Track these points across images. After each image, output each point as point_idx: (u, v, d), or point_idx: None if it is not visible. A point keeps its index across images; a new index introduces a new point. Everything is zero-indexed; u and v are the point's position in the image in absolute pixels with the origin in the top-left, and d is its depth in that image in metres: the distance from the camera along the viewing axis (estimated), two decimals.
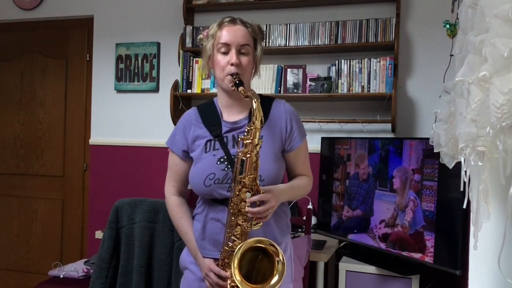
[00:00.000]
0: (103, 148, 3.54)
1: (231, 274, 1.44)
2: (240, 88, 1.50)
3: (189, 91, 3.17)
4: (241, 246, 1.42)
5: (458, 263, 2.06)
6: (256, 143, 1.45)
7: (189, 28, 3.19)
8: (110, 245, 2.20)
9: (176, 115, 3.17)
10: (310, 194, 2.99)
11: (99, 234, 2.75)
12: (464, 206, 1.00)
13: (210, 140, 1.61)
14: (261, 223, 1.47)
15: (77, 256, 3.60)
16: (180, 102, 3.17)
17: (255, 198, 1.44)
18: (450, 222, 2.12)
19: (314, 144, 3.02)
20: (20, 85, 3.81)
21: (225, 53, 1.57)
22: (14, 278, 3.80)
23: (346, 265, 2.49)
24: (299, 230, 2.79)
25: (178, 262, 1.79)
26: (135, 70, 3.45)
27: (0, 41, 3.85)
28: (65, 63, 3.71)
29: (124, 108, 3.49)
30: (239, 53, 1.57)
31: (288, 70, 3.01)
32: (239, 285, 1.40)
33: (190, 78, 3.18)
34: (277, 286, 1.41)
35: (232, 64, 1.55)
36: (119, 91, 3.51)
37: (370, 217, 2.51)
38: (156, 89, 3.41)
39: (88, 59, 3.65)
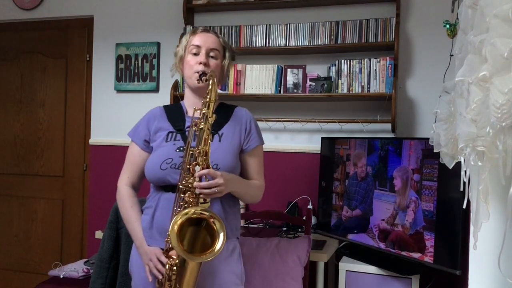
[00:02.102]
0: (103, 148, 3.54)
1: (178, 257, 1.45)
2: (203, 78, 1.59)
3: None
4: (178, 217, 1.42)
5: (458, 263, 2.06)
6: (210, 115, 1.51)
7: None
8: (110, 245, 2.20)
9: None
10: (310, 194, 3.01)
11: (99, 234, 2.75)
12: (464, 206, 1.00)
13: (171, 132, 1.69)
14: (209, 202, 1.50)
15: (77, 256, 3.60)
16: None
17: (203, 171, 1.48)
18: (450, 222, 2.12)
19: (314, 144, 3.02)
20: (20, 85, 3.81)
21: (196, 54, 1.69)
22: (14, 278, 3.80)
23: (346, 265, 2.49)
24: (299, 230, 2.79)
25: None
26: (135, 70, 3.45)
27: (0, 41, 3.85)
28: (65, 63, 3.71)
29: (124, 108, 3.49)
30: (208, 55, 1.69)
31: (288, 70, 3.01)
32: (182, 255, 1.40)
33: None
34: (223, 244, 1.42)
35: (200, 63, 1.66)
36: (119, 91, 3.51)
37: (370, 217, 2.51)
38: (156, 89, 3.41)
39: (88, 59, 3.65)
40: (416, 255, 2.25)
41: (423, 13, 2.90)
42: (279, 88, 3.02)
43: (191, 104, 1.73)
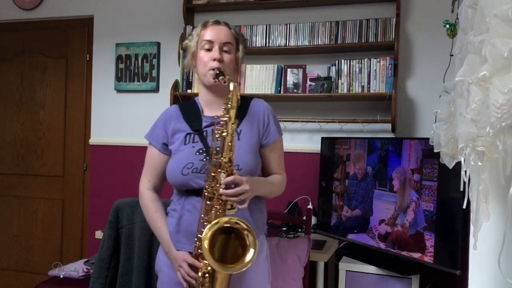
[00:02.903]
0: (103, 148, 3.54)
1: (204, 258, 1.43)
2: (220, 78, 1.54)
3: (189, 91, 3.17)
4: (210, 227, 1.41)
5: (458, 263, 2.06)
6: (232, 122, 1.48)
7: (189, 28, 3.19)
8: (110, 245, 2.20)
9: None
10: (310, 194, 3.01)
11: (99, 234, 2.75)
12: (464, 206, 1.00)
13: (189, 134, 1.65)
14: (236, 208, 1.47)
15: (77, 256, 3.60)
16: (180, 102, 3.17)
17: (229, 178, 1.46)
18: (450, 222, 2.12)
19: (314, 144, 3.02)
20: (20, 85, 3.81)
21: (209, 50, 1.63)
22: (14, 278, 3.80)
23: (346, 265, 2.49)
24: (299, 230, 2.79)
25: None
26: (135, 70, 3.45)
27: (0, 41, 3.85)
28: (65, 63, 3.71)
29: (124, 108, 3.49)
30: (221, 50, 1.63)
31: (288, 70, 3.01)
32: (213, 266, 1.39)
33: (190, 78, 3.18)
34: (254, 257, 1.40)
35: (214, 60, 1.60)
36: (119, 91, 3.51)
37: (370, 217, 2.51)
38: (156, 89, 3.41)
39: (88, 59, 3.65)
40: (416, 255, 2.25)
41: (423, 13, 2.90)
42: (279, 88, 3.02)
43: (206, 101, 1.70)
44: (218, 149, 1.49)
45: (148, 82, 3.42)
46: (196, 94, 3.14)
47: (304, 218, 2.61)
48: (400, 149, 2.39)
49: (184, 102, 1.78)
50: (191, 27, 3.20)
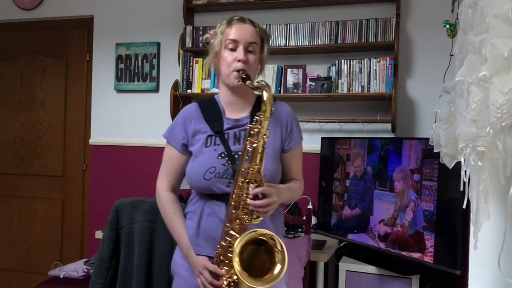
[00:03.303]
0: (103, 148, 3.54)
1: (228, 270, 1.42)
2: (248, 82, 1.50)
3: (189, 91, 3.17)
4: (242, 237, 1.38)
5: (458, 263, 2.06)
6: (264, 132, 1.44)
7: (189, 28, 3.19)
8: (110, 245, 2.20)
9: (176, 115, 3.16)
10: (310, 194, 3.01)
11: (99, 234, 2.75)
12: (464, 206, 0.99)
13: (211, 136, 1.59)
14: (262, 218, 1.45)
15: (77, 256, 3.60)
16: (180, 102, 3.17)
17: (258, 190, 1.43)
18: (450, 222, 2.12)
19: (314, 144, 3.02)
20: (20, 85, 3.81)
21: (233, 50, 1.57)
22: (14, 278, 3.80)
23: (346, 265, 2.49)
24: (299, 230, 2.79)
25: None
26: (135, 70, 3.45)
27: (0, 41, 3.85)
28: (65, 63, 3.71)
29: (124, 108, 3.49)
30: (246, 50, 1.57)
31: (288, 70, 3.01)
32: (240, 277, 1.35)
33: (190, 78, 3.18)
34: (282, 274, 1.37)
35: (239, 61, 1.55)
36: (119, 91, 3.51)
37: (370, 217, 2.51)
38: (156, 89, 3.41)
39: (88, 59, 3.65)
40: (416, 255, 2.25)
41: (423, 13, 2.90)
42: (279, 88, 3.02)
43: (227, 101, 1.64)
44: (247, 158, 1.45)
45: (148, 82, 3.42)
46: (196, 94, 3.18)
47: (304, 218, 2.61)
48: (400, 149, 2.39)
49: (204, 100, 1.72)
50: (191, 27, 3.20)
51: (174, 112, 3.16)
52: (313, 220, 2.88)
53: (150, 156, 3.39)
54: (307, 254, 2.30)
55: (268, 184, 1.47)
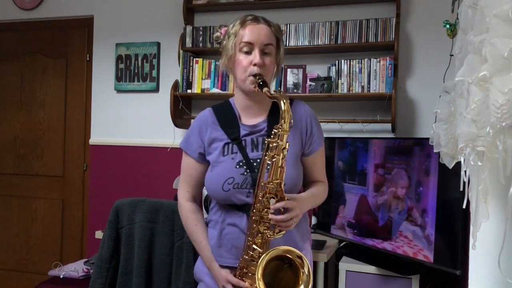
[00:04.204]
0: (103, 148, 3.54)
1: (253, 284, 1.39)
2: (265, 89, 1.44)
3: (189, 91, 3.17)
4: (267, 254, 1.34)
5: (458, 263, 2.06)
6: (284, 146, 1.39)
7: (189, 28, 3.19)
8: (110, 245, 2.20)
9: (176, 115, 3.17)
10: None
11: (99, 234, 2.75)
12: (464, 206, 0.99)
13: (227, 143, 1.55)
14: (284, 232, 1.42)
15: (77, 256, 3.60)
16: (180, 102, 3.17)
17: (279, 204, 1.38)
18: (450, 222, 2.12)
19: None
20: (20, 85, 3.81)
21: (248, 53, 1.50)
22: (14, 278, 3.80)
23: (346, 265, 2.49)
24: None
25: (178, 262, 1.78)
26: (135, 70, 3.45)
27: (0, 41, 3.85)
28: (65, 63, 3.71)
29: (124, 108, 3.49)
30: (262, 53, 1.50)
31: (288, 70, 3.01)
32: None
33: (190, 78, 3.18)
34: None
35: (255, 65, 1.48)
36: (119, 91, 3.51)
37: (370, 217, 2.51)
38: (156, 89, 3.41)
39: (88, 59, 3.65)
40: (417, 255, 2.25)
41: (423, 13, 2.90)
42: (279, 88, 3.02)
43: (243, 106, 1.58)
44: (267, 170, 1.41)
45: (148, 82, 3.42)
46: (197, 94, 3.18)
47: None
48: (400, 149, 2.38)
49: (219, 105, 1.64)
50: (191, 27, 3.20)
51: (174, 112, 3.16)
52: (313, 220, 2.88)
53: (150, 156, 3.39)
54: None
55: (289, 197, 1.43)
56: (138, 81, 3.44)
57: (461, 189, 0.98)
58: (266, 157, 1.41)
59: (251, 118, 1.58)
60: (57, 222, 3.73)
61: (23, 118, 3.80)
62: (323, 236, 2.79)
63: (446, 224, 2.14)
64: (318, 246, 2.59)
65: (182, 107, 3.20)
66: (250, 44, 1.49)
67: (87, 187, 3.63)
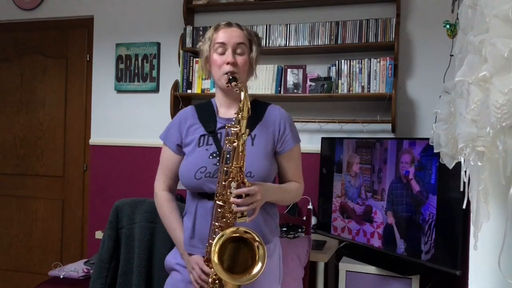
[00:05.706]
0: (103, 148, 3.54)
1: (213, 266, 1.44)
2: (233, 83, 1.53)
3: (189, 91, 3.17)
4: (219, 237, 1.41)
5: (458, 263, 2.06)
6: (243, 132, 1.46)
7: (189, 28, 3.19)
8: (110, 245, 2.20)
9: (176, 115, 3.17)
10: (310, 194, 3.00)
11: (99, 234, 2.75)
12: (464, 206, 0.99)
13: (203, 135, 1.64)
14: (246, 216, 1.46)
15: (77, 256, 3.60)
16: (180, 102, 3.17)
17: (241, 190, 1.44)
18: (450, 222, 2.12)
19: (314, 144, 3.02)
20: (20, 85, 3.81)
21: (222, 54, 1.62)
22: (14, 278, 3.80)
23: (346, 265, 2.49)
24: (299, 230, 2.79)
25: None
26: (135, 70, 3.45)
27: (0, 41, 3.85)
28: (65, 63, 3.71)
29: (124, 108, 3.50)
30: (234, 52, 1.61)
31: (288, 70, 3.01)
32: (218, 274, 1.39)
33: (190, 78, 3.18)
34: (261, 271, 1.41)
35: (228, 63, 1.59)
36: (119, 91, 3.51)
37: (370, 217, 2.51)
38: (156, 89, 3.42)
39: (88, 59, 3.65)
40: (417, 255, 2.25)
41: (423, 13, 2.90)
42: (279, 88, 3.02)
43: (222, 103, 1.70)
44: (228, 156, 1.48)
45: (148, 82, 3.42)
46: (197, 94, 3.18)
47: (304, 218, 2.61)
48: (400, 149, 2.38)
49: (201, 103, 1.77)
50: (191, 27, 3.20)
51: (174, 112, 3.16)
52: (313, 220, 2.88)
53: (150, 156, 3.38)
54: (307, 254, 2.30)
55: (253, 183, 1.49)
56: (138, 81, 3.44)
57: (461, 189, 0.98)
58: (226, 142, 1.48)
59: (228, 113, 1.66)
60: (57, 222, 3.73)
61: (23, 118, 3.80)
62: (323, 236, 2.79)
63: (446, 224, 2.14)
64: (318, 246, 2.59)
65: (182, 107, 3.17)
66: (223, 45, 1.61)
67: (87, 187, 3.63)
